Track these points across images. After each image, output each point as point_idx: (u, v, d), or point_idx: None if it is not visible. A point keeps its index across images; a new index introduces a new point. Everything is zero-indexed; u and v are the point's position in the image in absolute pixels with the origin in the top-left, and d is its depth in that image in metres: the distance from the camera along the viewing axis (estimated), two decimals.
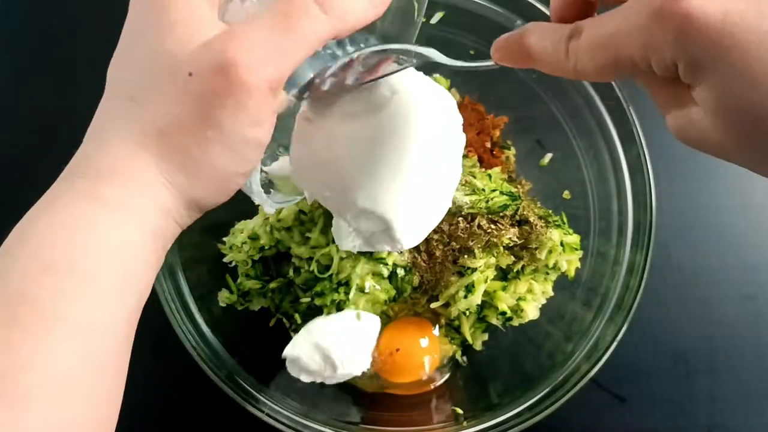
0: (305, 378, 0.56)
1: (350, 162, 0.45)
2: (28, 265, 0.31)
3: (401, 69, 0.43)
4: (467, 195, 0.56)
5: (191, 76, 0.32)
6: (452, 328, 0.63)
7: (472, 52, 0.66)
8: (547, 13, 0.60)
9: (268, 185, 0.46)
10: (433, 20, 0.64)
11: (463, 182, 0.57)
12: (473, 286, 0.57)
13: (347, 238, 0.51)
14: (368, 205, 0.46)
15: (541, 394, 0.54)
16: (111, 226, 0.32)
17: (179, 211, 0.35)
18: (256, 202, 0.42)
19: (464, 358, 0.63)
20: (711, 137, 0.29)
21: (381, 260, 0.57)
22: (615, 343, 0.54)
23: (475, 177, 0.58)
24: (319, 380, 0.57)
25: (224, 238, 0.62)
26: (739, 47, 0.26)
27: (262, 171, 0.46)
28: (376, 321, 0.58)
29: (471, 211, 0.56)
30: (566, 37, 0.32)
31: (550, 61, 0.34)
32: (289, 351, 0.56)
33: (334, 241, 0.56)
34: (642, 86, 0.33)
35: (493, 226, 0.56)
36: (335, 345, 0.55)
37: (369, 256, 0.57)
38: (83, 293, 0.31)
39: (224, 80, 0.32)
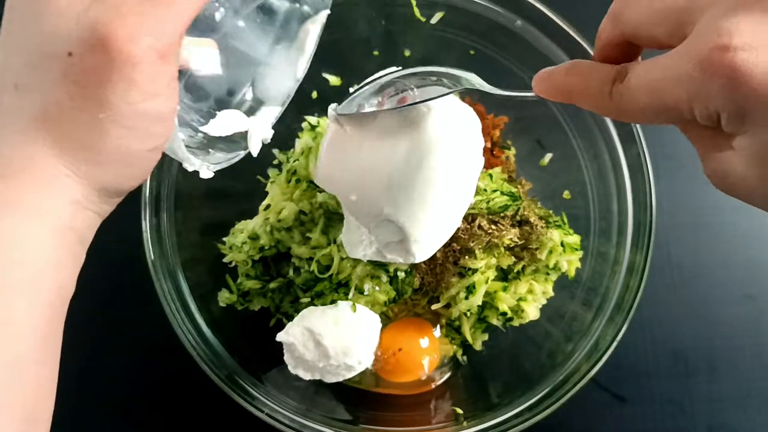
0: (303, 373, 0.56)
1: (383, 172, 0.46)
2: None
3: (442, 95, 0.43)
4: None
5: (71, 56, 0.30)
6: (452, 328, 0.63)
7: (471, 52, 0.66)
8: (548, 14, 0.60)
9: (206, 146, 0.44)
10: (433, 20, 0.64)
11: None
12: (474, 287, 0.57)
13: (359, 246, 0.51)
14: (393, 214, 0.47)
15: (541, 394, 0.54)
16: (10, 226, 0.31)
17: (90, 199, 0.34)
18: (189, 169, 0.41)
19: (464, 358, 0.64)
20: (748, 184, 0.30)
21: (381, 265, 0.57)
22: (615, 343, 0.54)
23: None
24: (317, 376, 0.57)
25: (224, 238, 0.62)
26: None
27: (198, 132, 0.44)
28: (374, 318, 0.58)
29: (472, 211, 0.56)
30: (611, 79, 0.32)
31: (593, 101, 0.34)
32: (283, 336, 0.56)
33: (334, 242, 0.56)
34: (684, 131, 0.33)
35: (494, 227, 0.56)
36: (327, 333, 0.55)
37: None
38: None
39: (105, 56, 0.30)
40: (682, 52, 0.29)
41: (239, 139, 0.46)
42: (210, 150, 0.44)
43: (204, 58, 0.43)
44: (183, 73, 0.44)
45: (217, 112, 0.46)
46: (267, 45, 0.47)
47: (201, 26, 0.43)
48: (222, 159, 0.44)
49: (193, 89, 0.45)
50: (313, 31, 0.47)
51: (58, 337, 0.34)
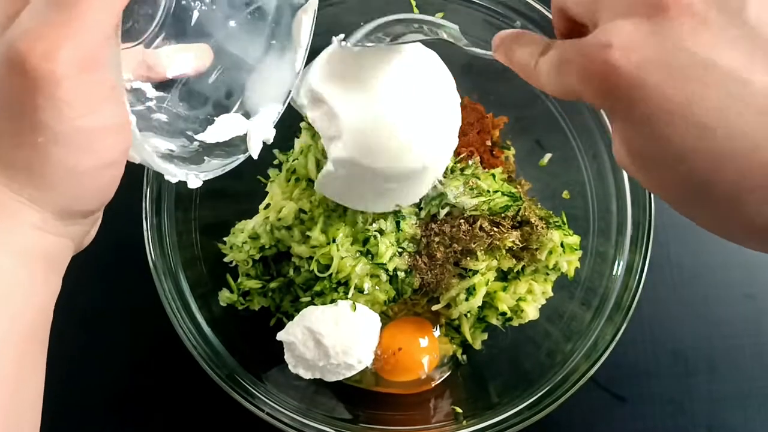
0: (303, 372, 0.57)
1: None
2: None
3: (427, 39, 0.46)
4: (473, 198, 0.56)
5: None
6: (452, 328, 0.63)
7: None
8: (549, 14, 0.61)
9: (202, 154, 0.43)
10: None
11: (470, 185, 0.57)
12: (474, 288, 0.57)
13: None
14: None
15: (541, 393, 0.54)
16: None
17: (51, 224, 0.32)
18: (172, 180, 0.39)
19: (464, 357, 0.64)
20: (626, 166, 0.32)
21: (381, 264, 0.57)
22: (614, 343, 0.54)
23: (479, 179, 0.58)
24: (317, 375, 0.57)
25: (224, 238, 0.62)
26: (644, 100, 0.28)
27: (194, 140, 0.43)
28: (374, 317, 0.58)
29: (473, 213, 0.57)
30: (538, 52, 0.35)
31: (523, 70, 0.36)
32: (283, 335, 0.56)
33: (334, 240, 0.56)
34: None
35: (495, 229, 0.56)
36: (328, 332, 0.55)
37: (370, 258, 0.57)
38: None
39: (24, 78, 0.29)
40: (583, 41, 0.31)
41: (239, 142, 0.45)
42: (206, 158, 0.43)
43: (181, 63, 0.42)
44: (175, 82, 0.43)
45: (215, 118, 0.45)
46: (262, 44, 0.47)
47: (193, 33, 0.43)
48: (218, 166, 0.43)
49: (187, 97, 0.44)
50: (305, 21, 0.46)
51: (34, 369, 0.32)
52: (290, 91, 0.48)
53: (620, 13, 0.29)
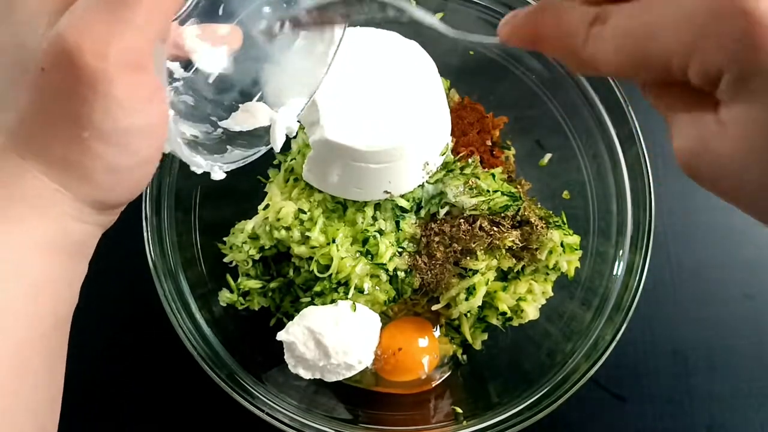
0: (303, 372, 0.57)
1: None
2: None
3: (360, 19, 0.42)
4: (473, 197, 0.56)
5: (44, 72, 0.29)
6: (452, 328, 0.63)
7: (471, 52, 0.66)
8: None
9: (224, 142, 0.42)
10: None
11: (469, 185, 0.57)
12: (474, 288, 0.57)
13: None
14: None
15: (541, 393, 0.54)
16: None
17: (85, 212, 0.33)
18: (198, 171, 0.39)
19: (464, 357, 0.64)
20: (732, 168, 0.24)
21: (381, 264, 0.57)
22: (614, 343, 0.54)
23: (479, 178, 0.58)
24: (317, 375, 0.57)
25: (224, 238, 0.62)
26: None
27: (218, 127, 0.42)
28: (374, 317, 0.58)
29: (473, 212, 0.57)
30: (590, 20, 0.26)
31: (563, 44, 0.28)
32: (283, 335, 0.56)
33: (334, 241, 0.56)
34: (649, 97, 0.28)
35: (495, 228, 0.56)
36: (328, 332, 0.55)
37: (370, 258, 0.57)
38: None
39: (75, 73, 0.28)
40: None
41: (262, 133, 0.45)
42: (228, 147, 0.42)
43: (212, 58, 0.41)
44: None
45: (239, 105, 0.44)
46: (293, 34, 0.45)
47: (224, 16, 0.42)
48: (239, 157, 0.43)
49: (215, 80, 0.43)
50: None
51: (55, 355, 0.33)
52: (318, 84, 0.47)
53: None
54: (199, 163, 0.39)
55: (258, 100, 0.45)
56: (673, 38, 0.24)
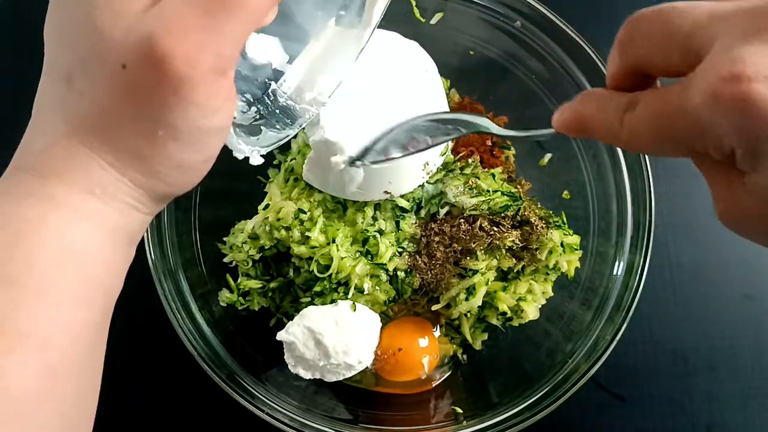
0: (303, 372, 0.57)
1: None
2: None
3: (449, 139, 0.44)
4: (473, 197, 0.56)
5: (125, 68, 0.29)
6: (452, 328, 0.63)
7: (471, 52, 0.66)
8: (548, 14, 0.60)
9: (258, 122, 0.42)
10: (433, 20, 0.64)
11: (469, 185, 0.57)
12: (474, 288, 0.57)
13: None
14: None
15: (541, 393, 0.54)
16: (66, 230, 0.31)
17: (144, 203, 0.33)
18: (239, 157, 0.40)
19: (464, 357, 0.64)
20: (759, 225, 0.28)
21: (381, 264, 0.57)
22: (614, 343, 0.54)
23: (479, 178, 0.58)
24: (317, 375, 0.57)
25: (224, 238, 0.62)
26: None
27: (252, 105, 0.42)
28: (374, 317, 0.58)
29: (473, 212, 0.57)
30: (622, 108, 0.30)
31: (605, 130, 0.32)
32: (283, 335, 0.56)
33: (334, 241, 0.56)
34: (697, 165, 0.31)
35: (495, 228, 0.56)
36: (328, 332, 0.55)
37: (370, 258, 0.57)
38: (39, 305, 0.29)
39: (162, 76, 0.29)
40: (693, 81, 0.26)
41: (296, 112, 0.44)
42: (263, 128, 0.42)
43: (265, 47, 0.41)
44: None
45: (272, 83, 0.43)
46: (331, 13, 0.44)
47: None
48: (274, 139, 0.42)
49: (248, 55, 0.42)
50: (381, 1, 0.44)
51: (104, 342, 0.34)
52: (350, 66, 0.46)
53: (738, 38, 0.25)
54: (242, 149, 0.39)
55: (291, 79, 0.45)
56: (690, 122, 0.27)
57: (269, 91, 0.43)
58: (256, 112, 0.42)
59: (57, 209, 0.31)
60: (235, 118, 0.40)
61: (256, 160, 0.40)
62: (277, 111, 0.43)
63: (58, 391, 0.30)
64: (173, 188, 0.34)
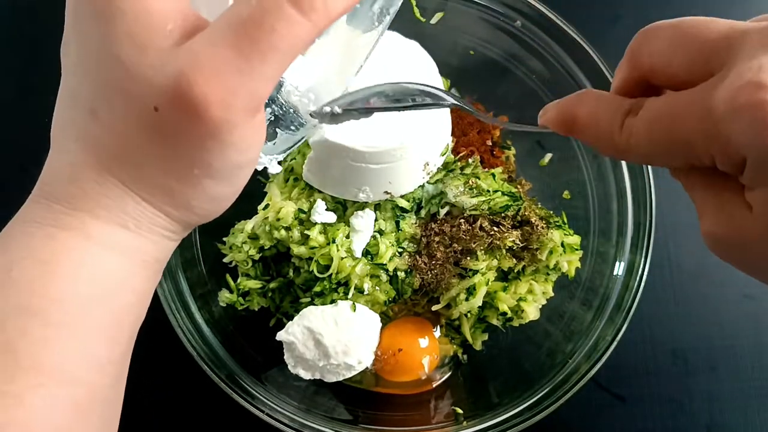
0: (303, 373, 0.57)
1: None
2: (9, 309, 0.29)
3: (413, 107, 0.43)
4: (473, 197, 0.56)
5: (158, 111, 0.28)
6: (452, 328, 0.63)
7: (471, 52, 0.66)
8: (548, 14, 0.60)
9: (272, 124, 0.41)
10: (433, 20, 0.64)
11: (470, 185, 0.57)
12: (474, 288, 0.57)
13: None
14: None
15: (541, 393, 0.54)
16: (98, 265, 0.30)
17: (175, 231, 0.34)
18: (258, 168, 0.39)
19: (465, 357, 0.64)
20: (757, 248, 0.27)
21: (381, 265, 0.57)
22: (615, 343, 0.54)
23: (479, 178, 0.58)
24: (317, 375, 0.57)
25: (224, 238, 0.62)
26: None
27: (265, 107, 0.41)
28: (374, 318, 0.58)
29: (473, 212, 0.57)
30: (625, 110, 0.30)
31: (600, 132, 0.31)
32: (283, 335, 0.56)
33: (334, 241, 0.56)
34: (679, 179, 0.31)
35: (495, 228, 0.56)
36: (327, 332, 0.55)
37: (369, 258, 0.57)
38: (69, 341, 0.29)
39: (197, 120, 0.28)
40: (709, 86, 0.26)
41: (305, 109, 0.42)
42: (277, 130, 0.41)
43: (301, 73, 0.40)
44: None
45: (284, 79, 0.42)
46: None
47: None
48: (289, 142, 0.41)
49: None
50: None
51: (126, 368, 0.35)
52: (359, 67, 0.44)
53: (759, 49, 0.25)
54: (262, 161, 0.38)
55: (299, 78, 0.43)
56: (697, 126, 0.26)
57: (282, 88, 0.42)
58: (270, 113, 0.41)
59: (90, 244, 0.30)
60: None
61: (275, 168, 0.40)
62: (291, 110, 0.42)
63: (81, 425, 0.30)
64: (205, 218, 0.35)
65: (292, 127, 0.42)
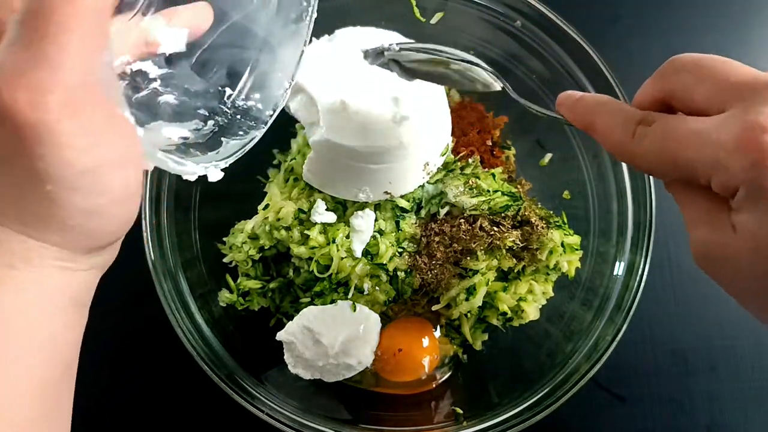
0: (303, 372, 0.57)
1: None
2: None
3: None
4: (473, 197, 0.56)
5: None
6: (452, 328, 0.63)
7: (471, 52, 0.66)
8: (548, 14, 0.60)
9: (218, 134, 0.40)
10: (433, 20, 0.64)
11: (470, 185, 0.57)
12: (474, 288, 0.57)
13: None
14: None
15: (541, 393, 0.54)
16: None
17: (75, 260, 0.31)
18: (191, 179, 0.37)
19: (465, 357, 0.64)
20: (736, 263, 0.30)
21: (381, 265, 0.57)
22: (615, 343, 0.54)
23: (479, 178, 0.58)
24: (317, 375, 0.57)
25: (224, 238, 0.62)
26: None
27: (209, 119, 0.40)
28: (374, 317, 0.58)
29: (473, 212, 0.56)
30: (637, 120, 0.33)
31: (613, 138, 0.34)
32: (283, 335, 0.56)
33: (334, 241, 0.56)
34: (673, 193, 0.34)
35: (495, 228, 0.56)
36: (327, 332, 0.55)
37: (369, 258, 0.57)
38: None
39: (16, 130, 0.26)
40: (721, 120, 0.30)
41: (259, 114, 0.42)
42: (223, 139, 0.40)
43: (172, 39, 0.38)
44: (182, 53, 0.40)
45: (227, 89, 0.41)
46: (268, 8, 0.43)
47: None
48: (237, 147, 0.40)
49: (197, 67, 0.41)
50: None
51: (64, 397, 0.33)
52: (298, 59, 0.44)
53: None
54: (190, 170, 0.36)
55: (247, 78, 0.43)
56: (702, 152, 0.30)
57: (225, 98, 0.41)
58: (214, 125, 0.40)
59: None
60: (187, 138, 0.39)
61: (215, 176, 0.38)
62: (238, 116, 0.42)
63: None
64: (98, 234, 0.32)
65: (240, 132, 0.41)
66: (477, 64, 0.44)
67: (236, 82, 0.43)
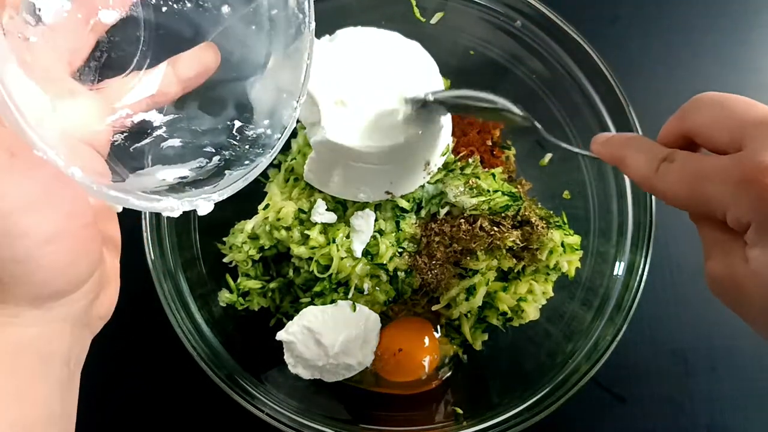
0: (303, 372, 0.57)
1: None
2: None
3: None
4: (474, 197, 0.56)
5: None
6: (452, 328, 0.63)
7: (471, 52, 0.66)
8: (548, 13, 0.60)
9: (222, 168, 0.39)
10: (433, 20, 0.64)
11: (470, 185, 0.57)
12: (474, 288, 0.57)
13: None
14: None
15: (541, 393, 0.54)
16: None
17: (17, 314, 0.31)
18: (174, 215, 0.35)
19: (465, 357, 0.64)
20: (747, 292, 0.32)
21: (381, 265, 0.57)
22: (615, 343, 0.54)
23: (480, 178, 0.58)
24: (317, 375, 0.57)
25: (224, 238, 0.62)
26: None
27: (214, 156, 0.40)
28: (374, 317, 0.58)
29: (474, 212, 0.57)
30: (662, 157, 0.36)
31: (640, 173, 0.37)
32: (283, 335, 0.56)
33: (334, 241, 0.56)
34: (695, 223, 0.37)
35: (495, 228, 0.56)
36: (327, 332, 0.55)
37: (369, 258, 0.57)
38: None
39: None
40: (735, 159, 0.32)
41: (266, 140, 0.42)
42: (227, 171, 0.39)
43: (190, 69, 0.38)
44: (188, 96, 0.39)
45: (236, 122, 0.41)
46: (263, 36, 0.42)
47: (188, 40, 0.39)
48: (239, 176, 0.39)
49: (206, 106, 0.40)
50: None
51: None
52: (304, 80, 0.43)
53: None
54: (172, 206, 0.35)
55: (255, 106, 0.42)
56: (717, 189, 0.32)
57: (234, 131, 0.41)
58: (219, 160, 0.40)
59: None
60: (185, 177, 0.38)
61: (205, 209, 0.36)
62: (247, 146, 0.41)
63: None
64: (36, 285, 0.31)
65: (246, 162, 0.40)
66: (509, 110, 0.50)
67: (244, 112, 0.42)
